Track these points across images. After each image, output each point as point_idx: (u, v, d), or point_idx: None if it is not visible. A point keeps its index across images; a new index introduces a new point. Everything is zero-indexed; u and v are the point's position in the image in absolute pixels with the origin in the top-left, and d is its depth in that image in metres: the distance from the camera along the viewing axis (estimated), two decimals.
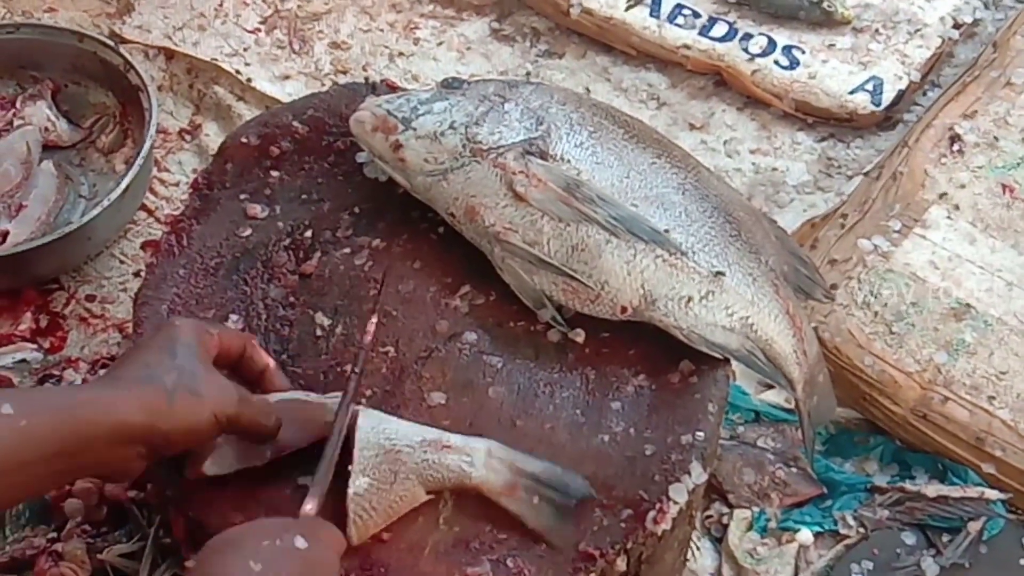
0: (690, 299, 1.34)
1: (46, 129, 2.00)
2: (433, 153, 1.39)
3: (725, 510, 1.71)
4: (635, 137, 1.43)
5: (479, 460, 1.23)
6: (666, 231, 1.35)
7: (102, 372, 1.77)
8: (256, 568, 1.04)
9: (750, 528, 1.68)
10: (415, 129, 1.40)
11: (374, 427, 1.23)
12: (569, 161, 1.38)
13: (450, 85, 1.46)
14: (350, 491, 1.20)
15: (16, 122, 1.99)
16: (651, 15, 2.23)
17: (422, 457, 1.22)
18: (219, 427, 1.17)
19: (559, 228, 1.34)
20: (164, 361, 1.15)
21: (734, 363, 1.38)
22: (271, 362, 1.29)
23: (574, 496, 1.23)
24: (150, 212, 1.98)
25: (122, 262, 1.93)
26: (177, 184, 2.04)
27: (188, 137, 2.12)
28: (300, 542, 1.08)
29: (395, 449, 1.22)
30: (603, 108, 1.47)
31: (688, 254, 1.35)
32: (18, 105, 2.02)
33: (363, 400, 1.30)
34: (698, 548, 1.65)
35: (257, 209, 1.48)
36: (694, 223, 1.37)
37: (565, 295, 1.36)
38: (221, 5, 2.28)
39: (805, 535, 1.67)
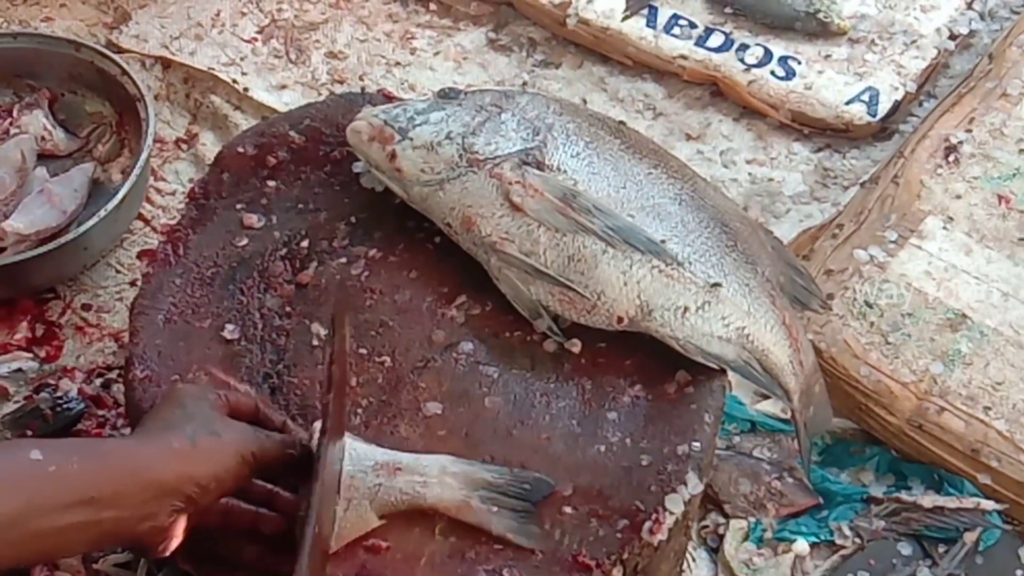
0: (686, 309, 1.34)
1: (43, 138, 2.00)
2: (429, 163, 1.39)
3: (721, 520, 1.70)
4: (631, 147, 1.43)
5: (432, 479, 1.22)
6: (662, 241, 1.35)
7: (98, 382, 1.77)
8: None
9: (746, 538, 1.68)
10: (411, 139, 1.40)
11: (336, 458, 1.21)
12: (565, 171, 1.38)
13: (447, 95, 1.46)
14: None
15: (12, 131, 1.99)
16: (647, 25, 2.23)
17: (374, 482, 1.21)
18: (248, 466, 1.16)
19: (555, 238, 1.34)
20: (179, 414, 1.16)
21: (730, 373, 1.38)
22: (286, 418, 1.28)
23: (532, 498, 1.23)
24: (146, 221, 1.98)
25: (118, 271, 1.93)
26: (173, 193, 2.04)
27: (185, 146, 2.12)
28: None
29: (348, 475, 1.21)
30: (600, 118, 1.47)
31: (684, 265, 1.35)
32: (15, 114, 2.02)
33: (360, 409, 1.30)
34: (694, 559, 1.65)
35: (253, 219, 1.48)
36: (690, 234, 1.37)
37: (561, 305, 1.36)
38: (218, 15, 2.28)
39: (801, 545, 1.67)
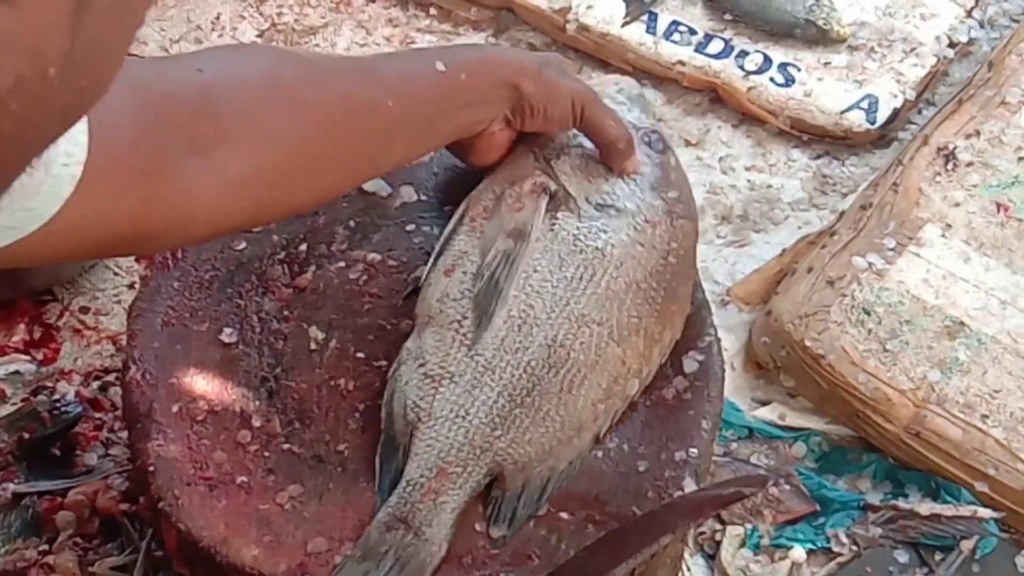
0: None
1: None
2: None
3: (718, 527, 1.70)
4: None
5: None
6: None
7: (96, 384, 1.77)
8: None
9: (743, 545, 1.68)
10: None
11: None
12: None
13: None
14: None
15: None
16: (647, 31, 2.23)
17: None
18: (574, 117, 1.26)
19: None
20: (538, 57, 1.33)
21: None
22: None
23: None
24: None
25: (116, 274, 1.93)
26: None
27: None
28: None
29: None
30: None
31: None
32: None
33: (357, 414, 1.30)
34: (690, 566, 1.65)
35: None
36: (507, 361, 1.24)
37: None
38: (218, 18, 2.28)
39: (798, 552, 1.67)
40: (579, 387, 1.24)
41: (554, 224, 1.27)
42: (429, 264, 1.30)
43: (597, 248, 1.25)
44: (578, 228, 1.26)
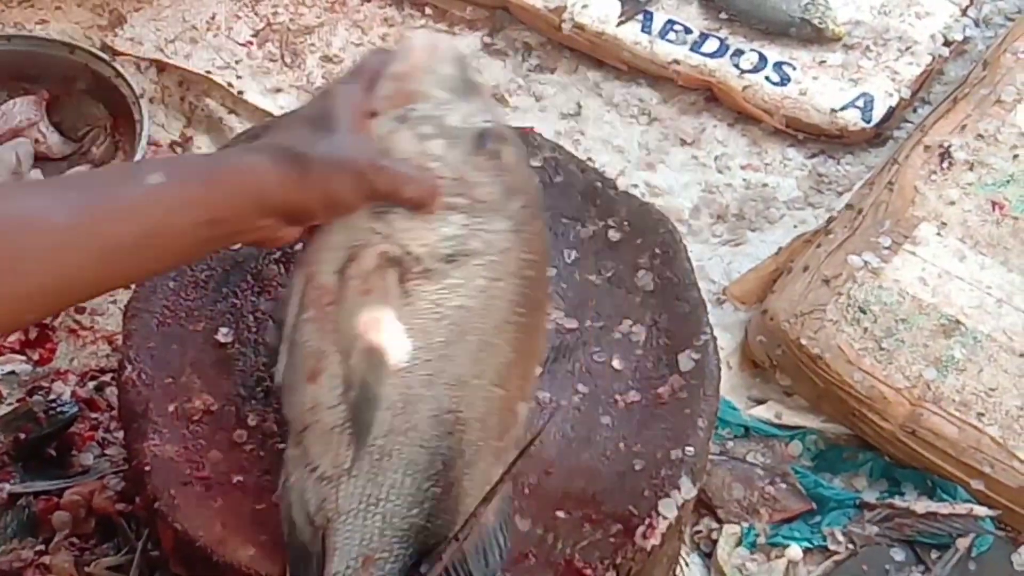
0: None
1: (37, 141, 2.00)
2: None
3: (714, 525, 1.70)
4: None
5: None
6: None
7: (92, 384, 1.77)
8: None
9: (739, 544, 1.68)
10: (393, 132, 1.21)
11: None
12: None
13: None
14: None
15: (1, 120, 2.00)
16: (643, 30, 2.23)
17: None
18: (363, 197, 1.12)
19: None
20: (308, 131, 1.13)
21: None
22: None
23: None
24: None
25: None
26: None
27: (179, 149, 2.12)
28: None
29: None
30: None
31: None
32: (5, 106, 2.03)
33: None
34: (687, 564, 1.65)
35: None
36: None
37: None
38: (213, 18, 2.28)
39: (794, 551, 1.67)
40: (476, 442, 1.18)
41: (409, 298, 1.13)
42: (282, 360, 1.16)
43: (459, 307, 1.14)
44: (435, 293, 1.14)
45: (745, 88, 2.16)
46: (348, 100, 1.15)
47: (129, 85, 1.98)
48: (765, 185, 2.11)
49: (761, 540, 1.68)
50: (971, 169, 1.96)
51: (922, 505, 1.69)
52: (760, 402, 1.82)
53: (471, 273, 1.14)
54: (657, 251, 1.46)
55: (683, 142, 2.17)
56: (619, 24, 2.23)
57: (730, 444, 1.77)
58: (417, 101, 1.15)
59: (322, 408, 1.14)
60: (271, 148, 1.11)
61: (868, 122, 2.12)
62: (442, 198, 1.14)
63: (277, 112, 2.07)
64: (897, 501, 1.70)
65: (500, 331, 1.17)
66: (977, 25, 2.30)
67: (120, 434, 1.64)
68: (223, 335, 1.37)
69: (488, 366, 1.17)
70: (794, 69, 2.18)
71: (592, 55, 2.27)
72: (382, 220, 1.13)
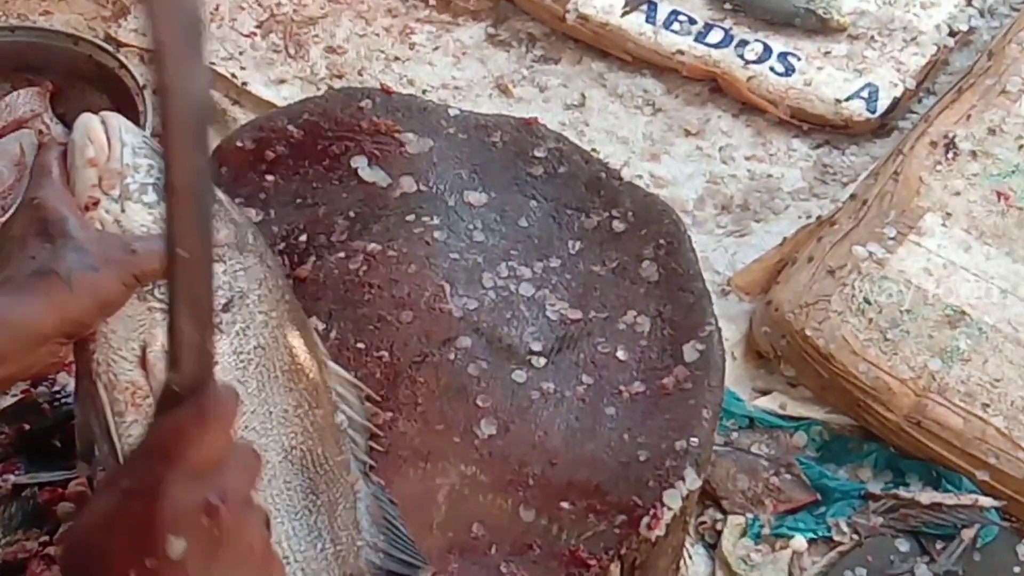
0: None
1: (40, 132, 2.00)
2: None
3: (719, 516, 1.70)
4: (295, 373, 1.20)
5: None
6: None
7: None
8: None
9: (744, 534, 1.68)
10: (122, 210, 1.16)
11: None
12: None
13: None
14: None
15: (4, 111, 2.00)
16: (647, 21, 2.23)
17: None
18: (131, 289, 1.08)
19: None
20: (46, 247, 1.08)
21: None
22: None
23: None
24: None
25: None
26: None
27: None
28: (177, 547, 0.79)
29: None
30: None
31: None
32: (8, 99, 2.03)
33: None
34: (691, 555, 1.65)
35: (251, 213, 1.47)
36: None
37: None
38: (217, 9, 2.27)
39: (799, 542, 1.67)
40: (324, 462, 1.15)
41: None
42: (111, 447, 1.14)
43: (256, 347, 1.13)
44: (230, 344, 1.12)
45: (750, 79, 2.16)
46: (60, 201, 1.11)
47: (133, 76, 1.98)
48: (770, 176, 2.11)
49: (765, 531, 1.68)
50: (976, 160, 1.95)
51: (927, 496, 1.69)
52: (765, 393, 1.82)
53: (250, 312, 1.13)
54: (661, 242, 1.46)
55: (687, 133, 2.16)
56: (623, 14, 2.23)
57: (735, 435, 1.77)
58: (126, 176, 1.13)
59: None
60: (23, 283, 1.06)
61: (873, 112, 2.12)
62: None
63: (281, 103, 2.07)
64: (902, 492, 1.70)
65: (294, 354, 1.15)
66: (982, 15, 2.29)
67: None
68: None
69: (302, 391, 1.15)
70: (799, 59, 2.18)
71: (596, 46, 2.26)
72: (152, 298, 1.11)
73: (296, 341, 1.16)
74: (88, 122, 1.17)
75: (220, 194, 1.16)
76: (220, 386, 0.84)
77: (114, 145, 1.14)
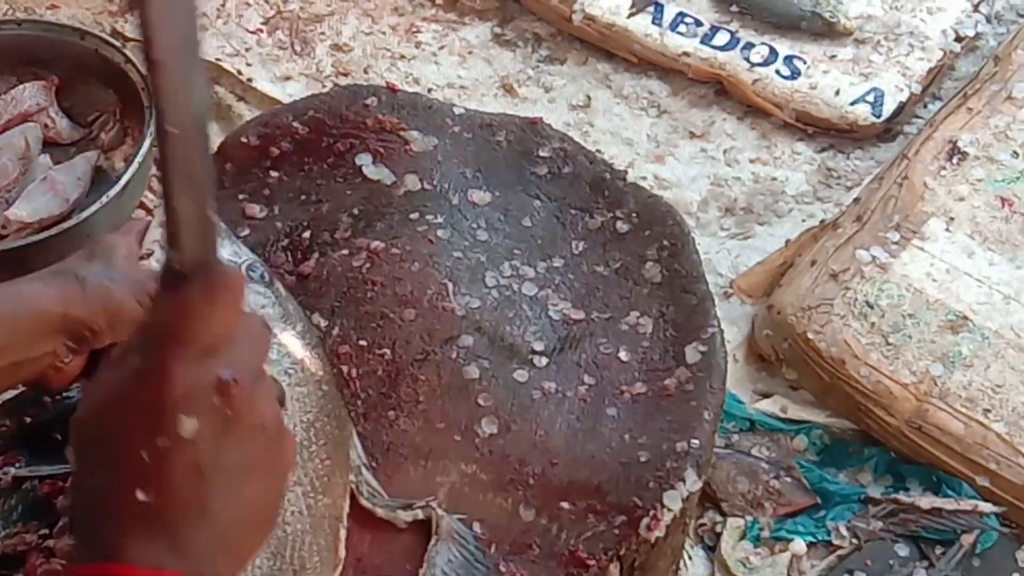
0: None
1: (46, 126, 2.01)
2: None
3: (718, 519, 1.70)
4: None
5: None
6: None
7: None
8: (147, 499, 0.77)
9: (743, 537, 1.68)
10: None
11: None
12: None
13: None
14: None
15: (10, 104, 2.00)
16: (653, 23, 2.23)
17: None
18: (145, 307, 1.06)
19: None
20: (81, 259, 1.14)
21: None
22: None
23: None
24: (149, 211, 1.98)
25: None
26: None
27: None
28: (186, 426, 0.78)
29: None
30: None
31: None
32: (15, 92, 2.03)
33: (359, 401, 1.30)
34: (691, 557, 1.65)
35: (255, 209, 1.48)
36: None
37: None
38: (223, 5, 2.28)
39: (798, 545, 1.67)
40: (310, 550, 1.13)
41: None
42: None
43: None
44: None
45: (755, 81, 2.16)
46: (119, 242, 1.16)
47: (139, 71, 1.98)
48: (774, 179, 2.11)
49: (765, 534, 1.68)
50: (981, 165, 1.95)
51: (927, 501, 1.68)
52: (766, 396, 1.82)
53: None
54: (665, 243, 1.46)
55: (692, 135, 2.16)
56: (630, 16, 2.23)
57: (735, 437, 1.77)
58: None
59: None
60: (41, 274, 1.10)
61: (878, 117, 2.12)
62: None
63: (286, 100, 2.07)
64: (902, 496, 1.70)
65: (311, 434, 1.14)
66: (988, 21, 2.29)
67: None
68: None
69: (306, 472, 1.14)
70: (805, 63, 2.18)
71: (602, 47, 2.26)
72: None
73: (319, 432, 1.15)
74: None
75: (284, 290, 1.21)
76: (224, 264, 0.83)
77: None
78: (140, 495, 0.76)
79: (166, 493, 0.77)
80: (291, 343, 1.16)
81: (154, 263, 1.16)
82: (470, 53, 2.28)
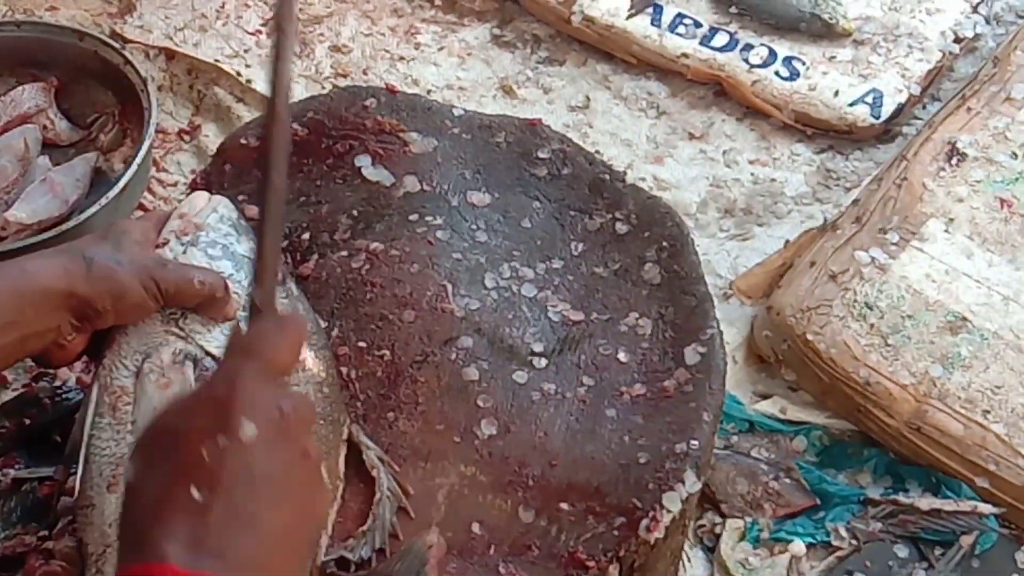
0: None
1: (45, 127, 2.00)
2: None
3: (718, 520, 1.70)
4: None
5: None
6: None
7: None
8: (198, 497, 0.83)
9: (742, 538, 1.68)
10: (184, 252, 1.21)
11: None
12: None
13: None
14: None
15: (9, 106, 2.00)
16: (652, 24, 2.23)
17: None
18: (150, 294, 1.13)
19: None
20: (91, 240, 1.16)
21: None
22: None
23: None
24: (147, 212, 1.98)
25: None
26: (175, 184, 2.04)
27: (187, 138, 2.12)
28: (248, 429, 0.86)
29: None
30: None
31: None
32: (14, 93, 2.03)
33: (358, 403, 1.30)
34: (690, 558, 1.65)
35: (255, 211, 1.48)
36: None
37: None
38: (223, 6, 2.28)
39: (797, 546, 1.67)
40: None
41: None
42: (79, 470, 1.14)
43: None
44: None
45: (754, 83, 2.16)
46: (135, 227, 1.19)
47: (138, 73, 1.98)
48: (773, 180, 2.11)
49: (764, 535, 1.68)
50: (980, 166, 1.95)
51: (926, 502, 1.68)
52: (765, 397, 1.82)
53: None
54: (664, 244, 1.46)
55: (691, 136, 2.16)
56: (629, 17, 2.23)
57: (735, 439, 1.77)
58: (202, 230, 1.20)
59: None
60: (48, 252, 1.13)
61: (877, 118, 2.12)
62: (235, 302, 1.18)
63: None
64: (901, 498, 1.70)
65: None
66: (988, 22, 2.29)
67: None
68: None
69: None
70: (804, 64, 2.18)
71: (601, 48, 2.26)
72: (176, 325, 1.15)
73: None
74: (197, 193, 1.28)
75: (296, 288, 1.27)
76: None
77: (205, 208, 1.23)
78: (195, 492, 0.82)
79: (218, 494, 0.82)
80: None
81: (167, 252, 1.18)
82: (469, 54, 2.28)
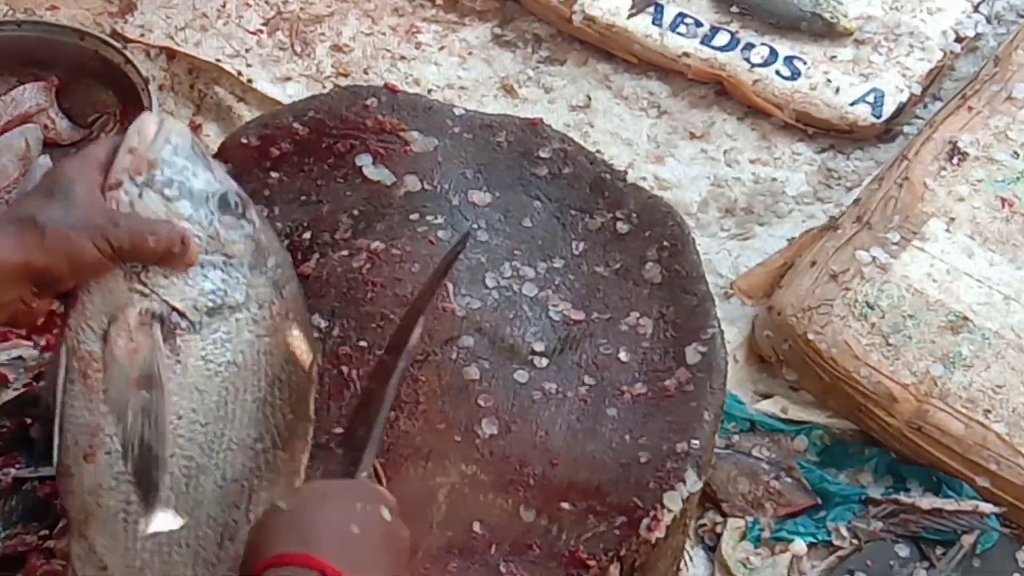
0: None
1: (46, 126, 2.01)
2: None
3: (719, 519, 1.70)
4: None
5: None
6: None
7: None
8: (355, 531, 1.08)
9: (743, 537, 1.68)
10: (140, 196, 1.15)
11: None
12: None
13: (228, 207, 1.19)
14: None
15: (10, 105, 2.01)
16: (653, 23, 2.23)
17: None
18: (107, 255, 1.10)
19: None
20: (41, 200, 1.12)
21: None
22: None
23: None
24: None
25: None
26: None
27: None
28: (385, 513, 1.11)
29: None
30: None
31: None
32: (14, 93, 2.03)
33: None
34: (691, 557, 1.65)
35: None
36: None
37: None
38: (224, 6, 2.28)
39: (798, 545, 1.67)
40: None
41: (178, 354, 1.11)
42: (56, 438, 1.12)
43: (229, 362, 1.12)
44: (202, 348, 1.11)
45: (755, 82, 2.16)
46: (81, 172, 1.14)
47: (139, 72, 1.98)
48: (774, 179, 2.11)
49: (765, 534, 1.68)
50: (981, 166, 1.95)
51: (927, 501, 1.68)
52: (766, 396, 1.82)
53: (237, 327, 1.12)
54: (665, 244, 1.46)
55: (692, 135, 2.16)
56: (630, 16, 2.23)
57: (736, 438, 1.77)
58: (156, 168, 1.14)
59: (103, 490, 1.10)
60: (4, 222, 1.10)
61: (878, 117, 2.12)
62: (195, 250, 1.13)
63: (286, 100, 2.07)
64: (902, 497, 1.70)
65: (276, 387, 1.14)
66: (988, 21, 2.29)
67: None
68: None
69: (269, 425, 1.14)
70: (805, 64, 2.18)
71: (602, 47, 2.26)
72: (139, 280, 1.12)
73: (285, 384, 1.15)
74: (144, 117, 1.18)
75: (257, 217, 1.18)
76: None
77: (156, 139, 1.15)
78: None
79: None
80: (260, 289, 1.14)
81: (122, 196, 1.12)
82: (470, 54, 2.28)
